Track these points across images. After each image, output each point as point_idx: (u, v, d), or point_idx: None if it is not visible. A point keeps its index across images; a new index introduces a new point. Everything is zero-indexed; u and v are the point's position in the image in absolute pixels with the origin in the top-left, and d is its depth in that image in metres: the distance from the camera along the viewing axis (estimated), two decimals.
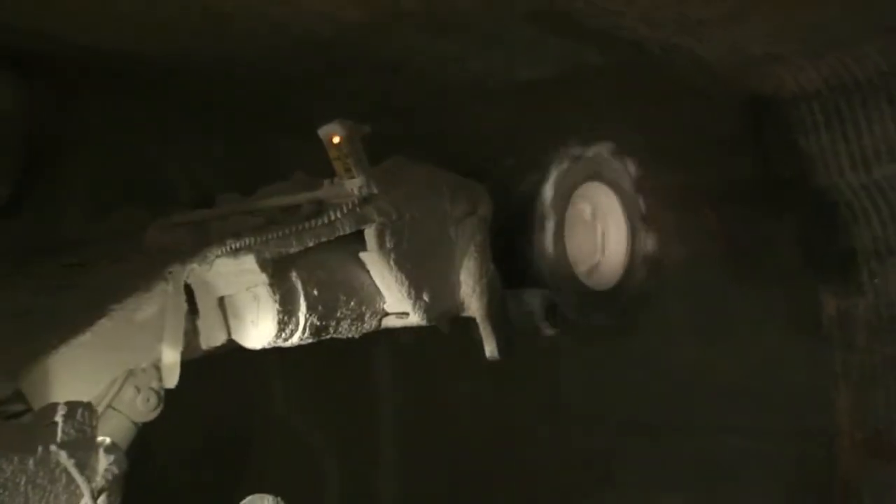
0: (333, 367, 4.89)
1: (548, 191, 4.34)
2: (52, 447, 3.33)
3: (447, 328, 4.33)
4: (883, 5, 4.19)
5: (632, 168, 4.61)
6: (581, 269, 4.40)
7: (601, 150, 4.59)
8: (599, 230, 4.65)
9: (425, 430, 6.03)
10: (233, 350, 4.04)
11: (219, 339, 3.93)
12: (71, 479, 3.33)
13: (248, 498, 3.79)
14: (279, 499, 3.83)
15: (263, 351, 4.03)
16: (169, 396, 3.83)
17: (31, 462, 3.32)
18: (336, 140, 3.95)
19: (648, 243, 4.63)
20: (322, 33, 4.40)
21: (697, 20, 4.26)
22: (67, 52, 4.59)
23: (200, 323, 3.91)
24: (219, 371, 4.16)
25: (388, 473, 5.98)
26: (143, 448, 3.74)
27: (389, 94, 4.67)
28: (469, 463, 5.81)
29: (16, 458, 3.27)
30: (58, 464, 3.35)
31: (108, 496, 3.42)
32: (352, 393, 5.78)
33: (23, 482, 3.29)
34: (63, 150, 4.88)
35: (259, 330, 3.88)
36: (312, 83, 4.79)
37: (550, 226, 4.35)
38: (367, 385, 5.91)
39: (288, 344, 3.98)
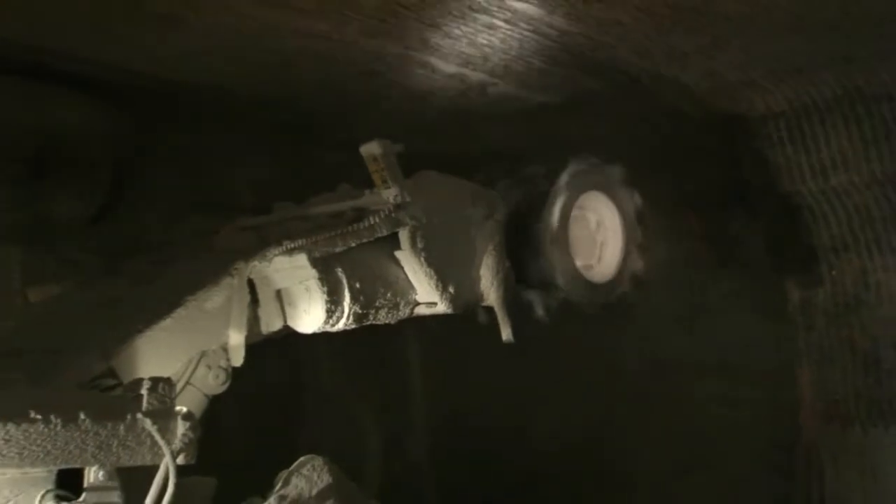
0: (371, 348, 4.91)
1: (558, 197, 4.29)
2: (139, 415, 3.33)
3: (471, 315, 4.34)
4: (836, 40, 4.17)
5: (637, 200, 4.57)
6: (579, 264, 4.39)
7: (612, 171, 4.55)
8: (599, 241, 4.61)
9: (447, 397, 6.03)
10: (287, 335, 4.07)
11: (276, 325, 3.95)
12: (154, 443, 3.32)
13: (302, 458, 3.89)
14: (328, 458, 3.89)
15: (313, 335, 4.06)
16: (235, 374, 3.87)
17: (121, 427, 3.35)
18: (374, 156, 3.98)
19: (638, 265, 4.58)
20: (363, 66, 4.41)
21: (681, 52, 4.26)
22: (148, 85, 4.61)
23: (261, 311, 3.95)
24: (276, 352, 4.22)
25: (417, 432, 6.00)
26: (212, 417, 3.80)
27: (420, 117, 4.67)
28: (484, 422, 5.79)
29: (109, 424, 3.31)
30: (143, 429, 3.36)
31: (185, 457, 3.43)
32: (386, 369, 5.80)
33: (115, 444, 3.33)
34: (144, 168, 4.89)
35: (310, 317, 3.91)
36: (354, 108, 4.77)
37: (558, 224, 4.29)
38: (400, 361, 5.92)
39: (334, 329, 4.00)
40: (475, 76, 4.56)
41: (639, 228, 4.63)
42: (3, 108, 4.38)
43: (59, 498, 3.26)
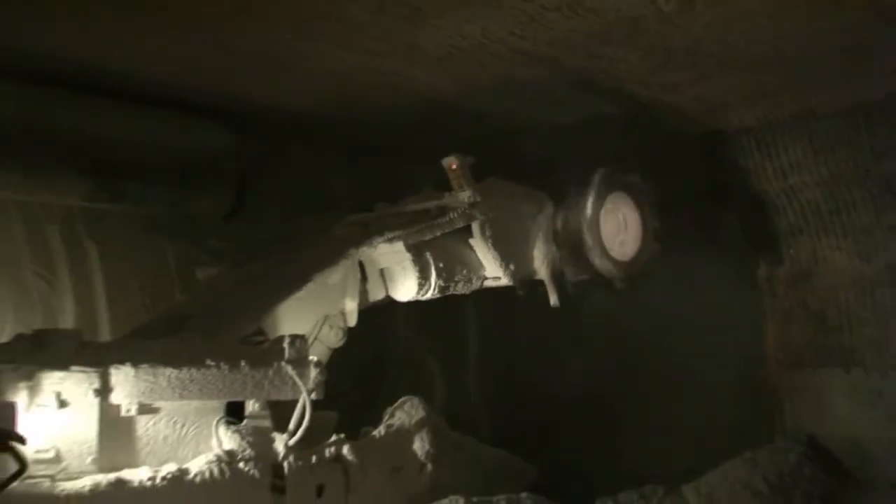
0: (439, 312, 5.06)
1: (590, 196, 4.45)
2: (283, 363, 3.53)
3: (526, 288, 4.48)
4: (791, 72, 4.25)
5: (651, 198, 4.74)
6: (608, 247, 4.53)
7: (631, 176, 4.68)
8: (624, 230, 4.74)
9: (496, 350, 6.09)
10: (386, 304, 4.32)
11: (380, 295, 4.20)
12: (294, 383, 3.53)
13: (402, 398, 4.10)
14: (421, 398, 4.09)
15: (397, 304, 4.33)
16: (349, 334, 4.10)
17: (270, 372, 3.50)
18: (452, 166, 4.16)
19: (652, 248, 4.73)
20: (426, 96, 4.54)
21: (674, 83, 4.37)
22: (266, 114, 4.80)
23: (368, 285, 4.19)
24: (371, 318, 4.28)
25: (473, 377, 6.10)
26: (332, 367, 3.82)
27: (474, 135, 4.73)
28: (523, 369, 5.89)
29: (262, 369, 3.48)
30: (286, 373, 3.53)
31: (316, 393, 3.58)
32: (450, 329, 5.88)
33: (266, 384, 3.49)
34: (264, 178, 5.05)
35: (406, 289, 4.15)
36: (428, 129, 4.87)
37: (591, 215, 4.44)
38: (460, 323, 6.00)
39: (424, 298, 4.22)
40: (513, 102, 4.64)
41: (651, 221, 4.76)
42: (160, 134, 4.57)
43: (228, 423, 3.51)
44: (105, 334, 4.70)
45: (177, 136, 4.65)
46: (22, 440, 2.54)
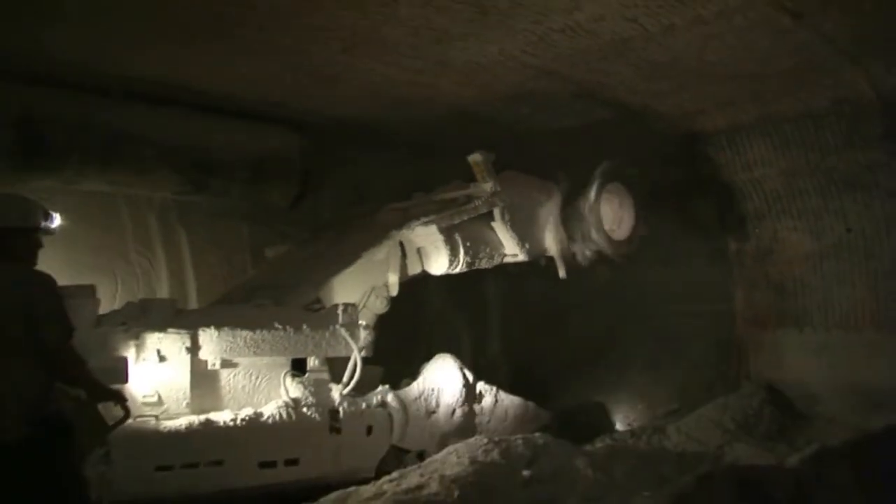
0: (466, 284, 5.05)
1: (593, 185, 4.45)
2: (338, 326, 3.56)
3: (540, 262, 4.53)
4: (755, 83, 4.19)
5: (643, 188, 4.73)
6: (607, 228, 4.51)
7: (627, 169, 4.67)
8: (620, 214, 4.69)
9: (513, 314, 6.03)
10: (422, 277, 4.32)
11: (417, 269, 4.19)
12: (347, 343, 3.55)
13: (437, 355, 4.10)
14: (453, 355, 4.09)
15: (431, 277, 4.32)
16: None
17: (327, 333, 3.51)
18: (477, 161, 4.16)
19: (642, 230, 4.70)
20: (452, 107, 4.48)
21: (659, 91, 4.30)
22: (323, 121, 4.77)
23: (408, 261, 4.19)
24: (410, 289, 4.31)
25: (494, 338, 6.05)
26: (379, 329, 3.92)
27: (494, 136, 4.65)
28: (537, 331, 5.78)
29: (320, 331, 3.50)
30: (340, 335, 3.56)
31: (366, 351, 3.60)
32: (475, 297, 5.81)
33: (324, 343, 3.51)
34: (321, 173, 4.99)
35: (438, 264, 4.14)
36: (453, 131, 4.78)
37: (593, 201, 4.45)
38: (483, 292, 5.91)
39: (454, 272, 4.21)
40: (524, 108, 4.55)
41: (642, 206, 4.76)
42: (238, 139, 4.59)
43: (293, 375, 3.56)
44: (193, 302, 4.75)
45: (252, 140, 4.65)
46: (124, 398, 2.59)
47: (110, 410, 2.57)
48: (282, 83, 4.14)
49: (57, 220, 2.55)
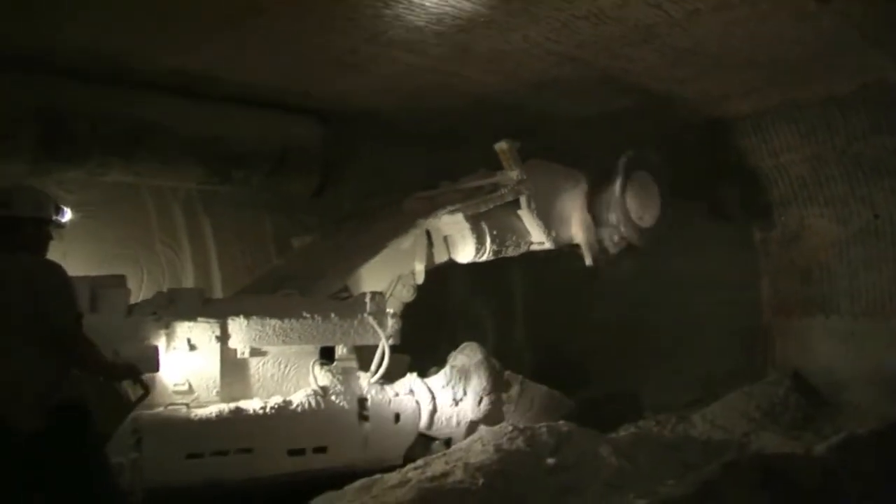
0: (491, 273, 5.04)
1: (619, 173, 4.41)
2: (365, 314, 3.58)
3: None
4: (777, 70, 4.17)
5: (668, 175, 4.67)
6: (633, 216, 4.49)
7: (652, 158, 4.62)
8: (645, 202, 4.61)
9: (538, 303, 6.00)
10: (448, 266, 4.29)
11: (443, 258, 4.18)
12: (375, 331, 3.57)
13: (464, 343, 4.08)
14: (479, 343, 4.06)
15: (457, 266, 4.30)
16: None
17: (355, 322, 3.52)
18: (503, 148, 4.13)
19: (668, 217, 4.65)
20: (475, 96, 4.49)
21: (682, 78, 4.27)
22: (346, 111, 4.76)
23: (434, 250, 4.18)
24: (436, 278, 4.29)
25: (519, 327, 6.02)
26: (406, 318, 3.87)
27: (518, 124, 4.60)
28: (559, 320, 5.76)
29: (348, 319, 3.51)
30: (368, 323, 3.57)
31: (393, 339, 3.61)
32: (500, 286, 5.80)
33: (352, 332, 3.51)
34: (344, 162, 5.01)
35: (465, 253, 4.12)
36: (477, 119, 4.77)
37: (619, 189, 4.40)
38: (508, 282, 5.89)
39: (480, 260, 4.18)
40: (549, 95, 4.52)
41: (667, 194, 4.68)
42: (261, 129, 4.60)
43: (322, 363, 3.58)
44: (217, 291, 4.77)
45: (274, 130, 4.67)
46: (140, 373, 2.61)
47: (135, 390, 2.59)
48: (304, 73, 4.14)
49: (68, 215, 2.59)
